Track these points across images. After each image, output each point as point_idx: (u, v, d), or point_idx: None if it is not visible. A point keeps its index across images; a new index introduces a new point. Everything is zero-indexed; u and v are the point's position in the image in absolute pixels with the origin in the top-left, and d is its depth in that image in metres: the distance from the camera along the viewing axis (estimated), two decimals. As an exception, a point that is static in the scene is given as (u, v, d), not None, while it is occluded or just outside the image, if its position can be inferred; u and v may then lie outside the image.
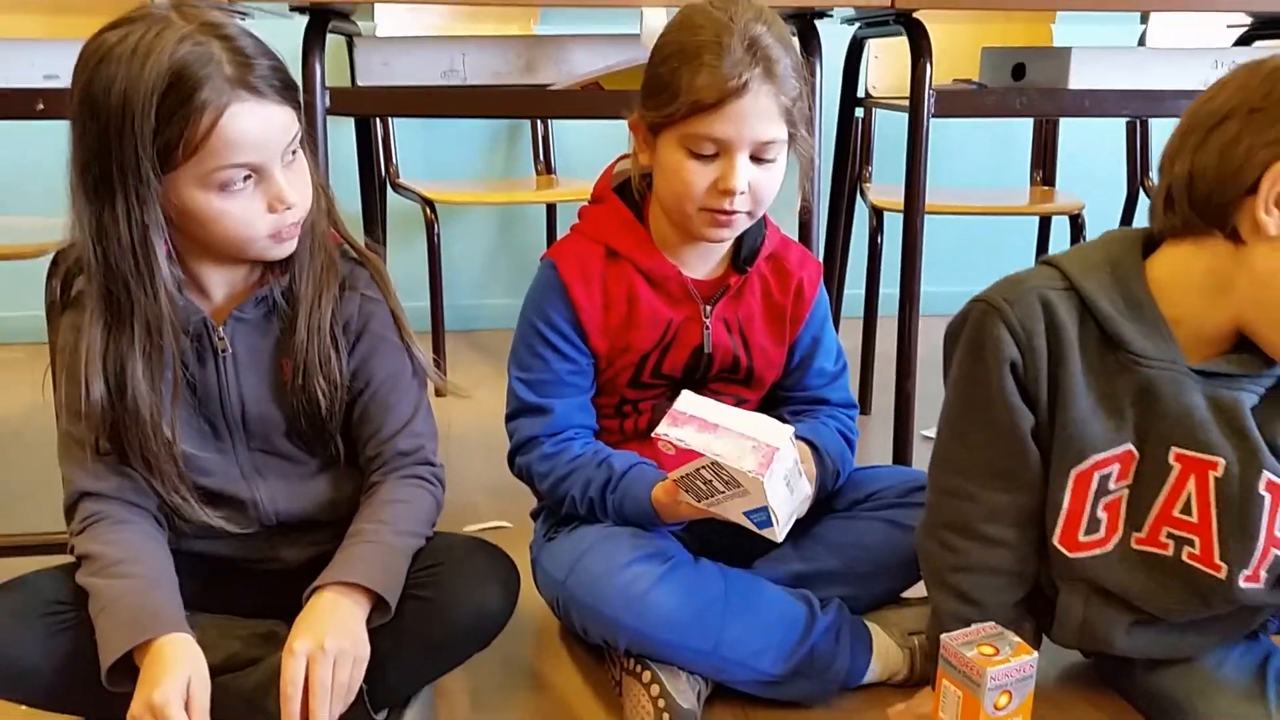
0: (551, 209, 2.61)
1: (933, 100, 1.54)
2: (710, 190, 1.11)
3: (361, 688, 0.97)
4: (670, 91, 1.09)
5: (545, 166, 2.61)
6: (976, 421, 1.03)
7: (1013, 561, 1.07)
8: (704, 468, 1.01)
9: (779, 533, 1.04)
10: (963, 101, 1.67)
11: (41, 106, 1.30)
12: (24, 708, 1.03)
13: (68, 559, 1.04)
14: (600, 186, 1.26)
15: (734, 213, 1.12)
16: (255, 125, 0.94)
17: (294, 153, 1.00)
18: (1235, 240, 0.94)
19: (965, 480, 1.05)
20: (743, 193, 1.10)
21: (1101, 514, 1.03)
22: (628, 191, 1.22)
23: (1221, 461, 0.98)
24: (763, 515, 1.02)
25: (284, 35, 1.15)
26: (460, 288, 2.68)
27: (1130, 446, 1.00)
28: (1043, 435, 1.02)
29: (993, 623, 1.05)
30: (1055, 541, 1.04)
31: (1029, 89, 1.66)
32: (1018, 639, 1.03)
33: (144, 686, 0.91)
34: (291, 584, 1.11)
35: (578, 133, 2.61)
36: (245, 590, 1.11)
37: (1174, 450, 0.99)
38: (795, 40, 1.47)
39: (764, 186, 1.12)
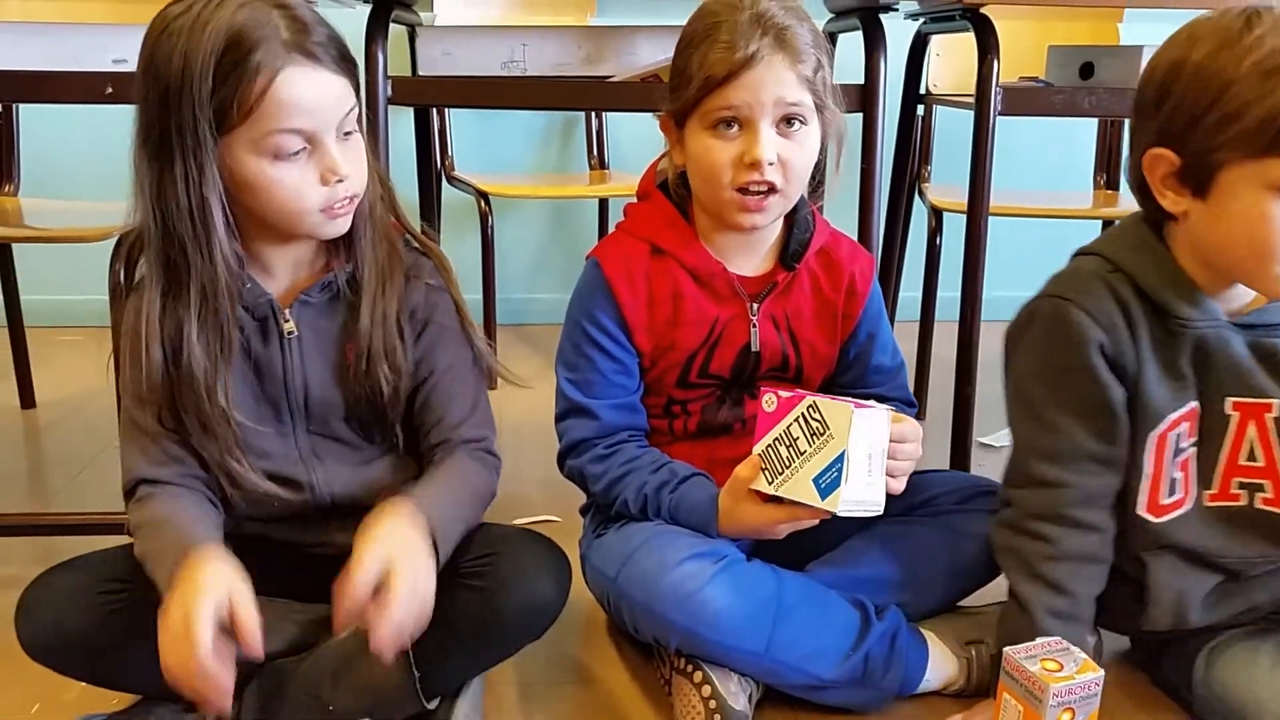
0: (604, 204, 2.61)
1: (999, 98, 1.51)
2: (738, 166, 1.10)
3: (414, 676, 0.98)
4: (685, 76, 1.10)
5: (599, 161, 2.60)
6: (1069, 408, 1.06)
7: (1100, 548, 1.09)
8: (797, 419, 1.04)
9: (842, 498, 1.01)
10: (1030, 100, 1.63)
11: (110, 90, 1.31)
12: (80, 685, 1.05)
13: (125, 540, 1.04)
14: (645, 183, 1.25)
15: (766, 188, 1.10)
16: (309, 90, 0.94)
17: (350, 130, 1.00)
18: (1169, 219, 1.03)
19: (1058, 468, 1.07)
20: (771, 163, 1.09)
21: (1178, 473, 1.08)
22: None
23: (1275, 402, 1.05)
24: (835, 472, 1.01)
25: (347, 25, 1.15)
26: (511, 281, 2.69)
27: (1194, 403, 1.06)
28: (1129, 409, 1.06)
29: (1059, 638, 1.03)
30: (1141, 511, 1.08)
31: (1098, 88, 1.62)
32: (1084, 655, 1.00)
33: (170, 602, 0.88)
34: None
35: (632, 127, 2.60)
36: (299, 576, 1.11)
37: (1230, 400, 1.05)
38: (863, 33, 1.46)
39: (794, 159, 1.11)
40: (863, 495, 1.03)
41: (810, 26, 1.11)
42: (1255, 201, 0.95)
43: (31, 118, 2.01)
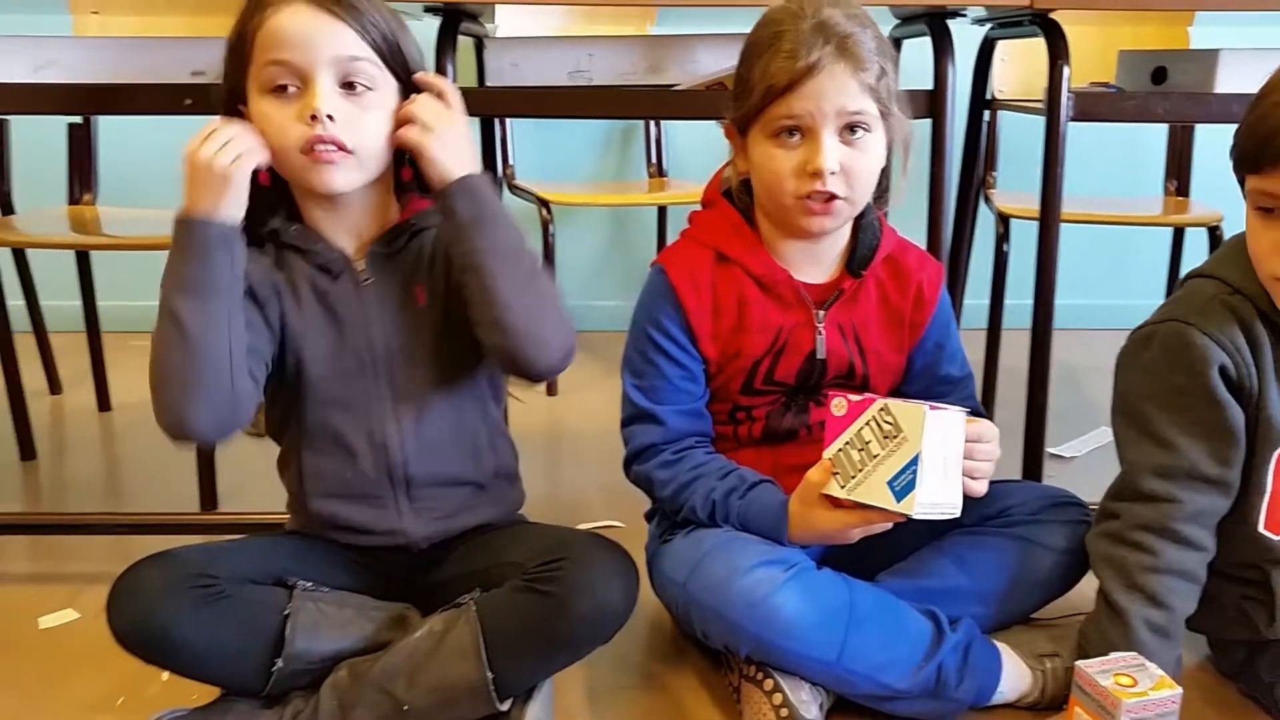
0: (663, 211, 2.61)
1: (1070, 103, 1.49)
2: (800, 174, 1.09)
3: (489, 677, 0.99)
4: (748, 85, 1.11)
5: (658, 169, 2.61)
6: (1186, 428, 1.07)
7: (1198, 566, 1.09)
8: (869, 423, 1.03)
9: (917, 500, 1.00)
10: (1102, 105, 1.60)
11: (189, 102, 1.34)
12: (165, 676, 1.07)
13: (203, 538, 1.08)
14: (710, 191, 1.25)
15: (829, 197, 1.10)
16: (294, 24, 0.99)
17: (357, 85, 1.01)
18: None
19: (1170, 485, 1.08)
20: (833, 173, 1.08)
21: None
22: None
23: None
24: (909, 475, 1.00)
25: (417, 37, 1.17)
26: (571, 288, 2.68)
27: None
28: (1248, 430, 1.07)
29: (1134, 653, 1.02)
30: (1262, 528, 1.10)
31: (1173, 93, 1.59)
32: (1160, 672, 0.99)
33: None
34: (417, 568, 1.13)
35: (691, 135, 2.61)
36: (370, 575, 1.13)
37: None
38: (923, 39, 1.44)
39: (857, 167, 1.10)
40: (938, 497, 1.02)
41: (874, 33, 1.10)
42: None
43: (109, 128, 2.07)
